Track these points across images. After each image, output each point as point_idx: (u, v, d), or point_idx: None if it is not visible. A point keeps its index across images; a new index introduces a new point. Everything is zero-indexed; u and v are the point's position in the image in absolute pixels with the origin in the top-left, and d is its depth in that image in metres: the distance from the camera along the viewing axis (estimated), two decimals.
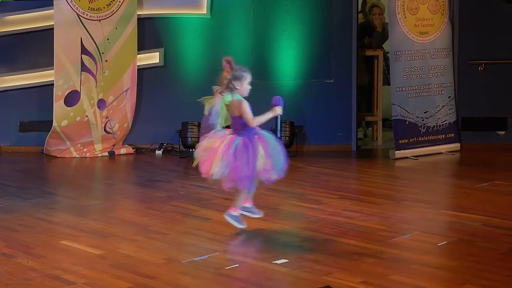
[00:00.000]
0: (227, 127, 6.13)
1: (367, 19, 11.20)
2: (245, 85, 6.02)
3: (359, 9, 10.92)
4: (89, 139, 9.81)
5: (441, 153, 9.98)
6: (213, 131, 6.05)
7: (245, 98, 6.01)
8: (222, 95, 6.09)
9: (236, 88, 5.98)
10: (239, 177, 5.89)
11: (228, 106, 5.99)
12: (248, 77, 6.05)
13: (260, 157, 5.90)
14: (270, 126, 6.24)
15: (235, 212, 6.13)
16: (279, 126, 6.20)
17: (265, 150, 5.92)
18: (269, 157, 5.92)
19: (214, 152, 5.91)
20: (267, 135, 6.04)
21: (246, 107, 5.95)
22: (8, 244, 5.70)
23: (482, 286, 4.77)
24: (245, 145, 5.90)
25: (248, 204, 6.21)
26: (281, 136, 6.21)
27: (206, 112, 6.26)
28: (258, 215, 6.25)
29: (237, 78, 5.99)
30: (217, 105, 6.09)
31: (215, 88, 6.45)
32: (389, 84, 10.48)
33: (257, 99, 10.31)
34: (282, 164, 5.99)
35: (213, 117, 6.08)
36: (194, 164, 6.08)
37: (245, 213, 6.18)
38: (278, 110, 6.04)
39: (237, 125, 5.98)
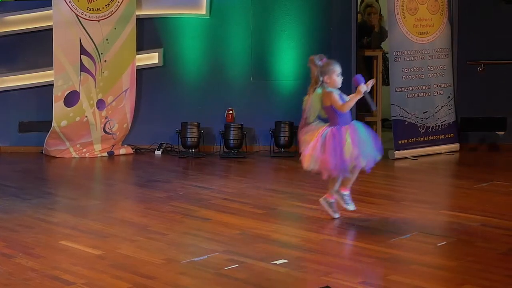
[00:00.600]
0: (326, 119, 6.41)
1: (363, 19, 11.20)
2: (334, 77, 6.30)
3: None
4: (89, 139, 9.81)
5: (440, 153, 9.99)
6: (310, 125, 6.40)
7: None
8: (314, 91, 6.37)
9: (326, 82, 6.27)
10: (329, 167, 6.19)
11: (321, 99, 6.30)
12: (335, 69, 6.31)
13: (347, 146, 6.15)
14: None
15: (331, 198, 6.44)
16: (370, 100, 6.41)
17: (352, 138, 6.16)
18: (356, 145, 6.15)
19: (308, 146, 6.27)
20: (358, 124, 6.32)
21: (334, 96, 6.23)
22: (7, 244, 5.70)
23: (482, 286, 4.77)
24: (333, 136, 6.20)
25: (345, 192, 6.47)
26: (376, 107, 6.49)
27: (304, 108, 6.45)
28: (350, 206, 6.49)
29: (324, 72, 6.27)
30: (311, 100, 6.36)
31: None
32: (387, 85, 10.51)
33: (257, 99, 10.38)
34: (370, 152, 6.21)
35: (308, 111, 6.39)
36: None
37: (339, 199, 6.48)
38: (362, 89, 6.23)
39: (331, 115, 6.30)
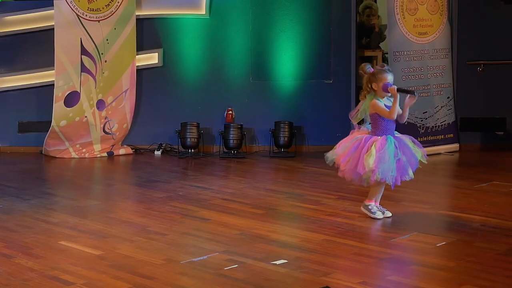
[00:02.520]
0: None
1: (361, 20, 11.19)
2: (381, 86, 6.31)
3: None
4: (88, 139, 9.81)
5: (440, 153, 9.99)
6: (352, 130, 6.56)
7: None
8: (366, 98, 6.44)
9: (373, 89, 6.32)
10: (353, 173, 6.30)
11: (368, 106, 6.38)
12: (384, 77, 6.32)
13: (369, 157, 6.20)
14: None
15: (368, 202, 6.50)
16: (406, 90, 6.53)
17: (378, 150, 6.22)
18: (378, 159, 6.18)
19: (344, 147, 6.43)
20: (401, 137, 6.45)
21: (379, 105, 6.32)
22: (7, 244, 5.70)
23: (481, 286, 4.77)
24: (358, 144, 6.32)
25: (367, 202, 6.51)
26: (416, 93, 6.49)
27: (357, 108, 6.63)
28: (376, 215, 6.47)
29: (372, 80, 6.33)
30: (363, 105, 6.45)
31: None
32: None
33: (256, 99, 10.37)
34: (392, 168, 6.23)
35: (356, 113, 6.51)
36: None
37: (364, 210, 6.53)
38: (394, 90, 6.29)
39: (374, 123, 6.41)
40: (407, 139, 6.47)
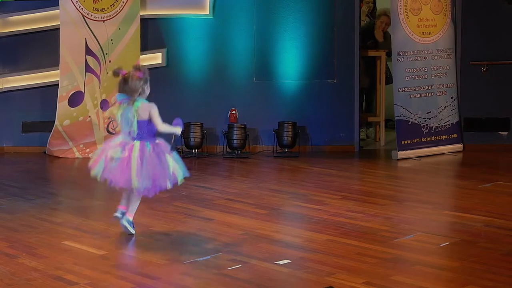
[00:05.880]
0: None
1: (372, 21, 11.19)
2: (148, 87, 5.97)
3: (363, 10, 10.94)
4: (92, 139, 9.82)
5: (443, 153, 9.98)
6: (118, 136, 5.97)
7: None
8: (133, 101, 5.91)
9: (144, 92, 5.92)
10: (116, 178, 5.83)
11: (137, 111, 5.87)
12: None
13: (133, 161, 5.78)
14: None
15: (122, 208, 6.04)
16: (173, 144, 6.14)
17: (139, 157, 5.78)
18: (141, 165, 5.77)
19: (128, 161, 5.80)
20: (148, 146, 5.88)
21: (156, 110, 5.93)
22: (10, 244, 5.71)
23: (485, 286, 4.77)
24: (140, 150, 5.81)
25: (123, 209, 6.05)
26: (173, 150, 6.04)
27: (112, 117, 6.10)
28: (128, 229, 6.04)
29: (146, 81, 5.92)
30: (127, 111, 5.90)
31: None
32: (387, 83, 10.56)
33: (260, 99, 10.37)
34: (148, 176, 5.79)
35: (121, 122, 5.93)
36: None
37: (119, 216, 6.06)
38: (178, 130, 5.99)
39: (143, 129, 5.89)
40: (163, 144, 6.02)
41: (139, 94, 5.89)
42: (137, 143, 5.82)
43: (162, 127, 5.93)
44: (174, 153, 5.95)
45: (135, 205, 6.04)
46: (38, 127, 10.09)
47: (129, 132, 5.87)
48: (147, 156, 5.79)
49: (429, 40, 9.91)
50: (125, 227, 5.98)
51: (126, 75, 5.88)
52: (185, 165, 5.99)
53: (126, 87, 5.86)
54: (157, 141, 5.94)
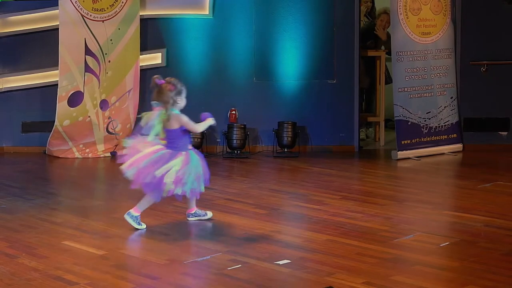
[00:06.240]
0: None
1: (372, 22, 11.19)
2: (183, 98, 6.25)
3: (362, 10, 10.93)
4: (91, 139, 9.82)
5: (443, 153, 9.98)
6: (144, 138, 6.20)
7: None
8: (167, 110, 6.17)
9: (178, 103, 6.20)
10: (142, 182, 6.06)
11: (164, 120, 6.14)
12: (184, 90, 6.26)
13: (171, 170, 6.01)
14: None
15: (136, 213, 6.21)
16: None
17: (181, 165, 6.05)
18: (180, 172, 6.03)
19: (137, 152, 6.12)
20: (193, 153, 6.20)
21: (185, 118, 6.21)
22: (10, 244, 5.71)
23: (485, 286, 4.77)
24: (164, 156, 6.06)
25: (137, 213, 6.22)
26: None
27: (142, 125, 6.27)
28: (140, 226, 6.24)
29: (180, 92, 6.21)
30: (153, 119, 6.18)
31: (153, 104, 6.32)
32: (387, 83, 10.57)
33: (260, 99, 10.38)
34: (191, 181, 6.08)
35: (147, 130, 6.19)
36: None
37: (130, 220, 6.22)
38: (211, 121, 6.31)
39: (172, 138, 6.16)
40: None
41: (172, 105, 6.15)
42: (158, 146, 6.13)
43: (199, 127, 6.28)
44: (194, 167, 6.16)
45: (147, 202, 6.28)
46: (38, 127, 10.09)
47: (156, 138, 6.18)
48: (189, 161, 6.10)
49: (428, 40, 9.91)
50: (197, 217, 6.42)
51: (161, 86, 6.16)
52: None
53: (159, 97, 6.16)
54: (190, 148, 6.25)
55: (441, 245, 5.76)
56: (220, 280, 4.93)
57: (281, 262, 5.25)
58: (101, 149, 9.88)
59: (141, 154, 6.10)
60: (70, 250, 5.60)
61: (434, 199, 7.38)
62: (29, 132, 10.14)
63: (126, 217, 6.19)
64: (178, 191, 6.06)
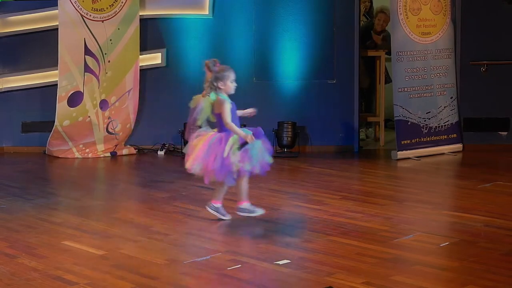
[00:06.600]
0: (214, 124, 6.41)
1: (370, 22, 11.19)
2: (228, 84, 6.30)
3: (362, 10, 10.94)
4: (91, 139, 9.82)
5: (443, 153, 9.98)
6: (199, 130, 6.34)
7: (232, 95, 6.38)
8: (207, 95, 6.34)
9: (220, 88, 6.27)
10: (211, 171, 6.17)
11: (212, 104, 6.27)
12: (230, 76, 6.32)
13: (232, 149, 6.15)
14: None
15: (217, 203, 6.42)
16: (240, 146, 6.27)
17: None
18: (244, 150, 6.16)
19: (195, 149, 6.25)
20: (246, 131, 6.26)
21: (226, 108, 6.24)
22: (10, 244, 5.71)
23: (485, 286, 4.77)
24: (219, 141, 6.20)
25: (216, 204, 6.44)
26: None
27: (192, 108, 6.41)
28: (226, 217, 6.46)
29: (219, 78, 6.27)
30: (202, 103, 6.34)
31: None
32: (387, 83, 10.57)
33: (260, 99, 10.38)
34: (256, 155, 6.19)
35: (197, 114, 6.35)
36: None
37: (213, 212, 6.45)
38: (249, 139, 6.19)
39: (220, 122, 6.27)
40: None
41: (213, 90, 6.26)
42: (209, 135, 6.25)
43: (234, 127, 6.24)
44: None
45: (243, 189, 6.43)
46: (38, 127, 10.09)
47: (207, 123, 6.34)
48: (209, 145, 6.19)
49: (428, 40, 9.91)
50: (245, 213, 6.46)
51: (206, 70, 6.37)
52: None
53: (206, 81, 6.35)
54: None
55: (441, 245, 5.76)
56: (220, 280, 4.93)
57: (281, 262, 5.25)
58: (101, 149, 9.88)
59: (198, 147, 6.23)
60: (70, 250, 5.60)
61: (434, 199, 7.38)
62: (29, 132, 10.14)
63: (208, 209, 6.40)
64: (247, 167, 6.18)
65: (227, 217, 6.45)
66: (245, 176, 6.32)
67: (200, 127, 6.35)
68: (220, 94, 6.27)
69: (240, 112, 6.49)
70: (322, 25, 10.21)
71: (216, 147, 6.18)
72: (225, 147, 6.15)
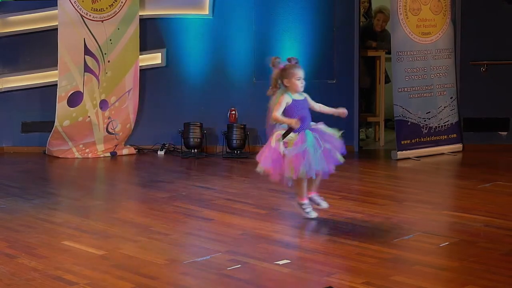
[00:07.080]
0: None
1: (369, 22, 11.19)
2: (293, 81, 6.25)
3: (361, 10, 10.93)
4: (91, 139, 9.82)
5: (443, 153, 9.98)
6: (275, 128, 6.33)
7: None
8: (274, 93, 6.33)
9: (285, 85, 6.24)
10: (296, 167, 6.16)
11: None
12: (295, 73, 6.26)
13: (313, 147, 6.18)
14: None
15: (303, 200, 6.46)
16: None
17: (317, 140, 6.22)
18: (298, 157, 6.16)
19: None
20: (309, 134, 6.25)
21: (279, 101, 6.21)
22: (10, 244, 5.71)
23: (484, 286, 4.77)
24: (302, 139, 6.18)
25: (311, 195, 6.53)
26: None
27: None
28: (322, 205, 6.57)
29: (284, 76, 6.23)
30: (272, 102, 6.31)
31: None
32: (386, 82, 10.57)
33: (260, 99, 10.37)
34: (310, 165, 6.18)
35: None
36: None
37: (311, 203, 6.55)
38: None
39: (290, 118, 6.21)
40: (321, 126, 6.40)
41: (276, 87, 6.25)
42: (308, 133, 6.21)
43: (279, 116, 6.18)
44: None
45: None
46: (38, 127, 10.09)
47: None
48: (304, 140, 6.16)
49: (428, 40, 9.91)
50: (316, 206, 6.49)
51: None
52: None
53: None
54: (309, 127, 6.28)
55: (441, 245, 5.75)
56: (220, 280, 4.93)
57: (281, 262, 5.25)
58: (101, 149, 9.88)
59: (267, 147, 6.27)
60: (70, 250, 5.59)
61: (434, 199, 7.38)
62: (29, 132, 10.14)
63: (296, 206, 6.47)
64: (301, 175, 6.16)
65: (324, 205, 6.48)
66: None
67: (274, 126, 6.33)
68: (288, 92, 6.22)
69: (328, 109, 6.46)
70: (322, 25, 10.21)
71: (301, 145, 6.15)
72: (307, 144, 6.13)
